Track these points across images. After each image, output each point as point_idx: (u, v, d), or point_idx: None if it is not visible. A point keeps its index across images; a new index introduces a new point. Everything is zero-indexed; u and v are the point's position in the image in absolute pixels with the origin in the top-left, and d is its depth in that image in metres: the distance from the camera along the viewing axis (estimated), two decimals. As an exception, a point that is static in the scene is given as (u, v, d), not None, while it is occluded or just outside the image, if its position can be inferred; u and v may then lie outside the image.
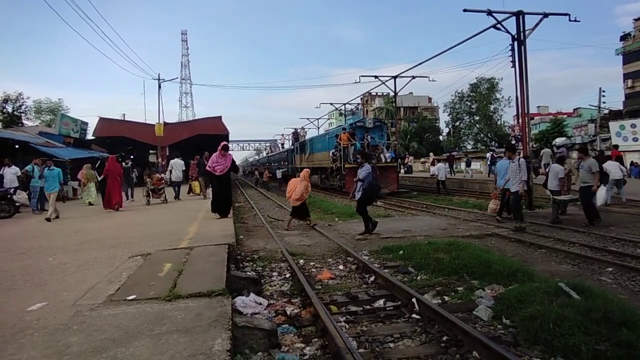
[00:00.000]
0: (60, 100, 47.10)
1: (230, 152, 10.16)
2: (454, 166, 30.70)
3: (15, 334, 3.09)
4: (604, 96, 43.15)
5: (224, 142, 10.01)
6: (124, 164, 16.03)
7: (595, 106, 43.29)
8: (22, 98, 39.30)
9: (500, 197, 10.97)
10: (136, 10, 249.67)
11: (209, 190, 12.72)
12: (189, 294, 3.86)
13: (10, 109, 37.96)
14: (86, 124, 29.00)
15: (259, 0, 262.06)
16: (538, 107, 65.08)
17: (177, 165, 15.81)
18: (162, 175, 16.52)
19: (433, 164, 22.67)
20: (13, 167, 13.18)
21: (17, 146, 18.12)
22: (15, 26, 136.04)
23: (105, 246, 6.65)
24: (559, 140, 21.29)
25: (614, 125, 32.13)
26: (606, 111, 44.10)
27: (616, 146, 19.73)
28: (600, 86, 44.14)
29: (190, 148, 30.22)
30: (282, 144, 61.59)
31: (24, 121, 37.79)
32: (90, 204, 14.77)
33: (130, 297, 3.86)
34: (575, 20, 14.60)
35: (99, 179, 13.78)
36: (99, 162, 14.59)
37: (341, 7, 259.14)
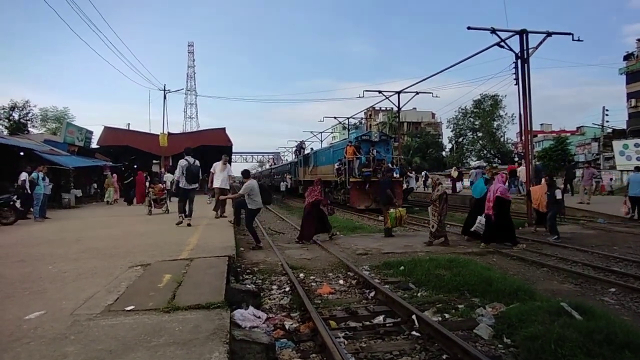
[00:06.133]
0: (66, 108, 47.49)
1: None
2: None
3: (11, 342, 3.07)
4: (607, 115, 43.37)
5: None
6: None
7: (598, 125, 43.39)
8: (29, 106, 39.76)
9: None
10: (144, 21, 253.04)
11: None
12: (188, 306, 3.84)
13: (16, 117, 38.32)
14: (91, 132, 29.16)
15: (266, 14, 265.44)
16: (541, 124, 65.26)
17: (168, 178, 18.83)
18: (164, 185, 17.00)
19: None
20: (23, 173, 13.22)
21: (22, 153, 18.25)
22: (24, 34, 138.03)
23: (105, 255, 6.64)
24: (474, 164, 24.08)
25: (617, 144, 32.06)
26: (609, 130, 44.17)
27: (513, 161, 23.43)
28: (605, 105, 44.52)
29: (193, 158, 30.18)
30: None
31: (29, 129, 38.07)
32: (108, 202, 19.72)
33: (129, 308, 3.84)
34: (578, 40, 14.71)
35: (120, 185, 20.39)
36: (126, 174, 20.88)
37: (348, 23, 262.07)
